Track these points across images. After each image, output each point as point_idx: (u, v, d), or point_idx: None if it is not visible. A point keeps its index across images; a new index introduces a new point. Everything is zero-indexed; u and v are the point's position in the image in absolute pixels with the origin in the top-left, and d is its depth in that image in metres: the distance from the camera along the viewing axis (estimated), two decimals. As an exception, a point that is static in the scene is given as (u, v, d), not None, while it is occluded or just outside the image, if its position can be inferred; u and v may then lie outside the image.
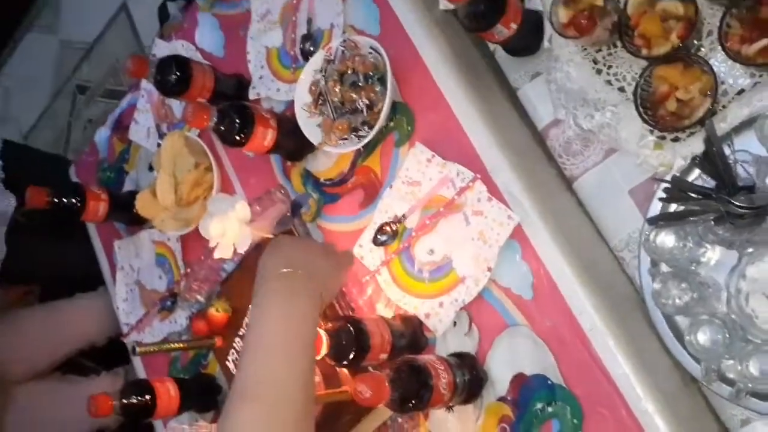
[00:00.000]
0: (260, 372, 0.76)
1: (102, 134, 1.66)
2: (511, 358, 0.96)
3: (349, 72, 1.06)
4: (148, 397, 1.20)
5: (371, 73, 1.04)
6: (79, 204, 1.41)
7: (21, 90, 2.93)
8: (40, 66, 2.89)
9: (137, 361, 1.52)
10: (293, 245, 0.94)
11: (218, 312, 1.27)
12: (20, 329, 1.77)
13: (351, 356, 0.96)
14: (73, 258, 1.73)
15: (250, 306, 0.85)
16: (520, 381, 0.95)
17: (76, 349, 1.82)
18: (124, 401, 1.17)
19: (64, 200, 1.40)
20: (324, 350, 0.97)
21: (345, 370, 1.06)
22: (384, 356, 0.98)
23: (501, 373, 0.97)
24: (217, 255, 1.23)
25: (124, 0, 2.58)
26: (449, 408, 1.00)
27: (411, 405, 0.90)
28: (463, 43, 1.11)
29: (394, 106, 1.07)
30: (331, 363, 0.99)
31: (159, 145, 1.46)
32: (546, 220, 0.96)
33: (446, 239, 1.01)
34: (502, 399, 0.97)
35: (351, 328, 0.96)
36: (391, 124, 1.08)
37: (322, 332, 0.97)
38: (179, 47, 1.39)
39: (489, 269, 0.96)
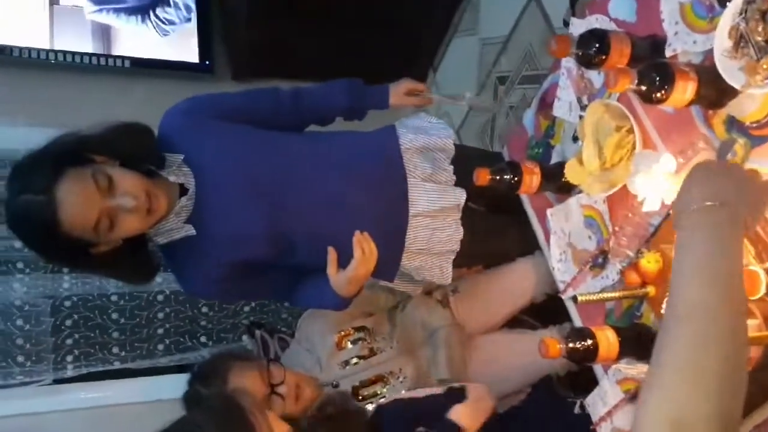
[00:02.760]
0: (689, 294, 0.82)
1: (528, 115, 1.85)
2: None
3: (772, 9, 1.04)
4: (590, 342, 1.32)
5: (797, 5, 1.01)
6: (515, 179, 1.59)
7: (452, 90, 3.34)
8: (465, 65, 3.25)
9: (575, 316, 1.66)
10: (715, 172, 0.95)
11: (649, 263, 1.34)
12: (474, 292, 2.07)
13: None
14: (512, 233, 1.94)
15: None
16: None
17: (520, 306, 2.06)
18: (570, 345, 1.32)
19: (505, 177, 1.58)
20: (763, 289, 0.98)
21: (788, 311, 1.05)
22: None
23: None
24: (645, 209, 1.31)
25: (535, -11, 2.77)
26: None
27: None
28: None
29: (828, 36, 1.02)
30: (772, 302, 1.00)
31: (581, 117, 1.57)
32: None
33: None
34: None
35: (792, 266, 0.95)
36: (826, 54, 1.02)
37: (761, 270, 0.99)
38: (593, 21, 1.48)
39: None
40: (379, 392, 1.89)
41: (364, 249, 1.60)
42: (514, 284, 2.04)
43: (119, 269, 1.67)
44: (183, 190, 1.64)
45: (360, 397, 1.88)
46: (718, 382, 0.76)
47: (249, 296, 1.99)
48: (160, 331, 2.77)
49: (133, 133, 1.64)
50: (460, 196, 1.81)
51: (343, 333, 1.96)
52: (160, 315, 2.76)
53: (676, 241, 0.89)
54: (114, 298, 2.69)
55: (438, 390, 1.76)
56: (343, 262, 1.65)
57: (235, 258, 1.66)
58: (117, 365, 2.69)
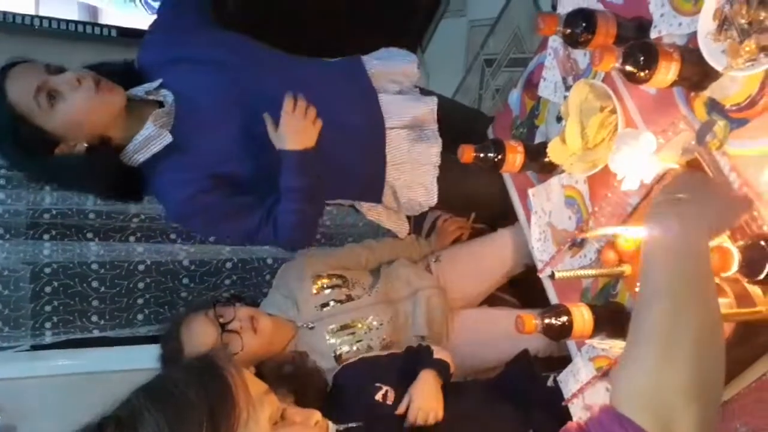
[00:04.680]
0: (659, 274, 0.86)
1: (514, 95, 1.86)
2: None
3: (757, -9, 1.05)
4: (565, 318, 1.35)
5: (781, -12, 1.02)
6: (499, 157, 1.61)
7: (439, 71, 3.35)
8: (453, 47, 3.26)
9: (551, 293, 1.69)
10: (690, 178, 1.00)
11: (627, 242, 1.36)
12: (456, 260, 2.10)
13: (765, 272, 0.98)
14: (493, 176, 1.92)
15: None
16: None
17: (500, 275, 2.09)
18: (546, 321, 1.34)
19: (489, 155, 1.61)
20: (735, 267, 1.01)
21: (758, 289, 1.07)
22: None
23: None
24: (624, 188, 1.32)
25: (526, -30, 2.78)
26: None
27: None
28: None
29: (809, 18, 1.03)
30: (743, 280, 1.02)
31: (565, 97, 1.59)
32: None
33: None
34: None
35: (764, 244, 0.98)
36: (806, 36, 1.04)
37: (733, 248, 1.01)
38: (581, 1, 1.48)
39: None
40: (356, 332, 1.92)
41: (293, 106, 1.66)
42: (494, 253, 2.07)
43: (89, 179, 1.69)
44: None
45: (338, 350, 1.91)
46: (690, 356, 0.78)
47: (231, 224, 1.88)
48: (140, 301, 2.75)
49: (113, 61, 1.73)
50: (432, 102, 1.89)
51: (320, 277, 1.99)
52: (141, 285, 2.75)
53: (645, 225, 0.94)
54: (95, 266, 2.67)
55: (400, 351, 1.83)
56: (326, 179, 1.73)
57: (218, 170, 1.69)
58: (96, 333, 2.68)
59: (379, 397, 1.62)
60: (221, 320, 1.79)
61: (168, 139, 1.66)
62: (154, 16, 1.96)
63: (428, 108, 1.88)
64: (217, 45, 1.78)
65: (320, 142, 1.70)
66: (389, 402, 1.61)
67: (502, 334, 1.86)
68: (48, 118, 1.56)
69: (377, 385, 1.64)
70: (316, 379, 1.70)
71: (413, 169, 1.89)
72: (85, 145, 1.62)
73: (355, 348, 1.89)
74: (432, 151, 1.89)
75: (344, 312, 1.94)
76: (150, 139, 1.66)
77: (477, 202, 2.11)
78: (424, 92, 1.98)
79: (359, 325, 1.92)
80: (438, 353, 1.74)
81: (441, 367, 1.70)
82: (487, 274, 2.09)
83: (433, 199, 1.92)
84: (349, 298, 1.96)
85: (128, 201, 1.81)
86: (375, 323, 1.93)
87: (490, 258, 2.08)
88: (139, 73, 1.74)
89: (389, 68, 1.90)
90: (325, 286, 1.98)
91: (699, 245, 0.89)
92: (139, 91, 1.68)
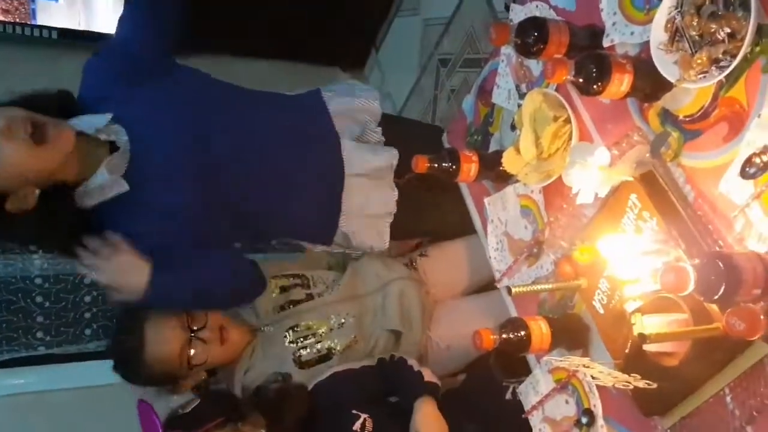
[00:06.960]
0: None
1: (468, 101, 1.83)
2: None
3: (708, 3, 1.03)
4: (523, 333, 1.32)
5: (731, 0, 1.00)
6: (454, 167, 1.57)
7: (394, 70, 3.31)
8: (407, 46, 3.22)
9: (510, 304, 1.66)
10: None
11: (582, 255, 1.34)
12: (444, 255, 2.05)
13: (721, 291, 0.95)
14: (450, 208, 1.91)
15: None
16: None
17: (485, 276, 1.99)
18: (503, 336, 1.31)
19: (443, 165, 1.57)
20: (691, 285, 0.99)
21: (715, 306, 1.06)
22: (757, 291, 0.96)
23: None
24: (579, 201, 1.30)
25: (479, -30, 2.75)
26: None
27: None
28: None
29: (760, 30, 1.01)
30: (699, 298, 1.00)
31: (519, 105, 1.56)
32: None
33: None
34: None
35: (720, 264, 0.95)
36: (757, 49, 1.02)
37: (689, 267, 0.99)
38: (533, 9, 1.47)
39: None
40: (317, 333, 1.85)
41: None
42: (481, 252, 2.02)
43: (50, 233, 1.56)
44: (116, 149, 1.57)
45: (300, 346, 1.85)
46: None
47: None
48: (88, 315, 2.66)
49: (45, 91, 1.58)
50: (393, 156, 1.81)
51: (277, 278, 1.91)
52: (88, 299, 2.66)
53: None
54: (38, 281, 2.57)
55: (369, 362, 1.78)
56: (276, 224, 1.74)
57: (173, 225, 1.61)
58: (42, 351, 2.59)
59: (357, 427, 1.56)
60: (192, 325, 1.72)
61: (124, 188, 1.56)
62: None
63: (388, 162, 1.80)
64: (178, 85, 1.68)
65: (279, 188, 1.67)
66: None
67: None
68: None
69: (354, 412, 1.59)
70: (297, 403, 1.65)
71: (368, 218, 1.82)
72: (38, 192, 1.47)
73: (315, 350, 1.83)
74: (388, 200, 1.82)
75: (303, 312, 1.87)
76: (104, 186, 1.55)
77: (439, 232, 2.04)
78: (389, 131, 1.89)
79: (320, 327, 1.85)
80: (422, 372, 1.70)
81: (435, 391, 1.67)
82: (476, 269, 2.00)
83: (385, 244, 1.86)
84: (309, 297, 1.89)
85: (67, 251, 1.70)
86: (337, 324, 1.86)
87: (477, 256, 1.97)
88: (79, 105, 1.60)
89: (351, 105, 1.82)
90: (283, 287, 1.90)
91: None
92: (89, 128, 1.55)
